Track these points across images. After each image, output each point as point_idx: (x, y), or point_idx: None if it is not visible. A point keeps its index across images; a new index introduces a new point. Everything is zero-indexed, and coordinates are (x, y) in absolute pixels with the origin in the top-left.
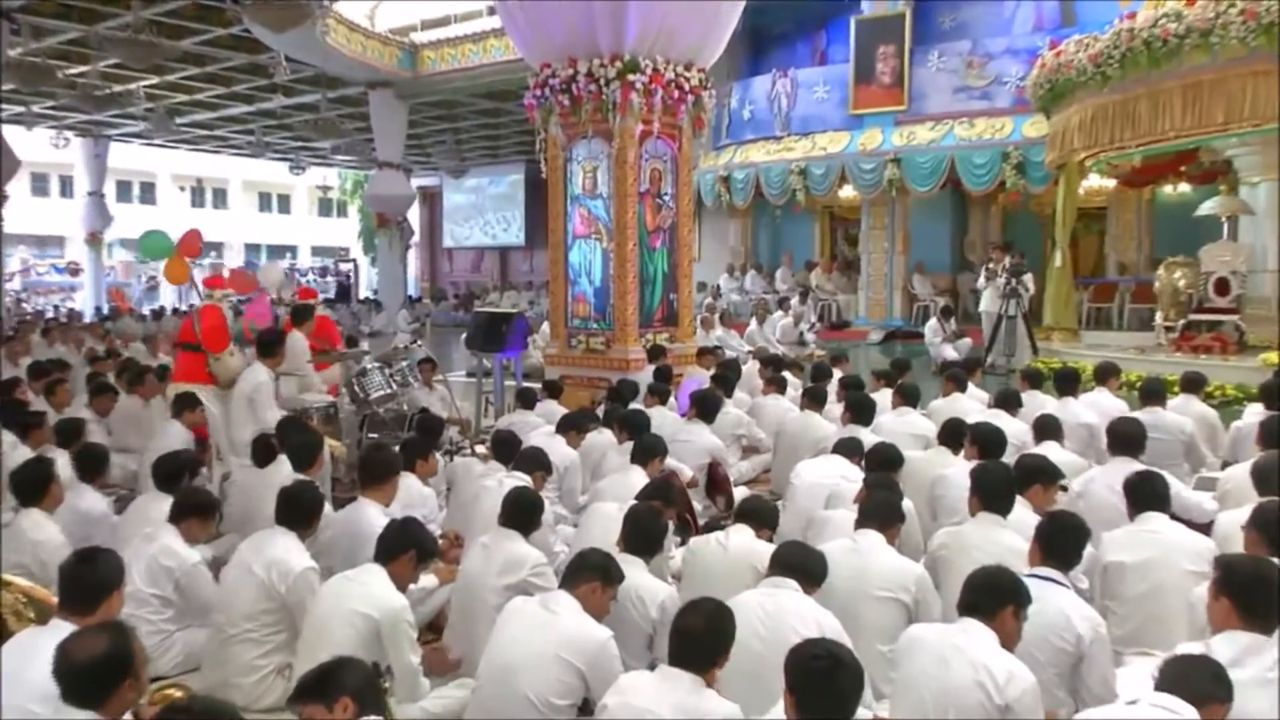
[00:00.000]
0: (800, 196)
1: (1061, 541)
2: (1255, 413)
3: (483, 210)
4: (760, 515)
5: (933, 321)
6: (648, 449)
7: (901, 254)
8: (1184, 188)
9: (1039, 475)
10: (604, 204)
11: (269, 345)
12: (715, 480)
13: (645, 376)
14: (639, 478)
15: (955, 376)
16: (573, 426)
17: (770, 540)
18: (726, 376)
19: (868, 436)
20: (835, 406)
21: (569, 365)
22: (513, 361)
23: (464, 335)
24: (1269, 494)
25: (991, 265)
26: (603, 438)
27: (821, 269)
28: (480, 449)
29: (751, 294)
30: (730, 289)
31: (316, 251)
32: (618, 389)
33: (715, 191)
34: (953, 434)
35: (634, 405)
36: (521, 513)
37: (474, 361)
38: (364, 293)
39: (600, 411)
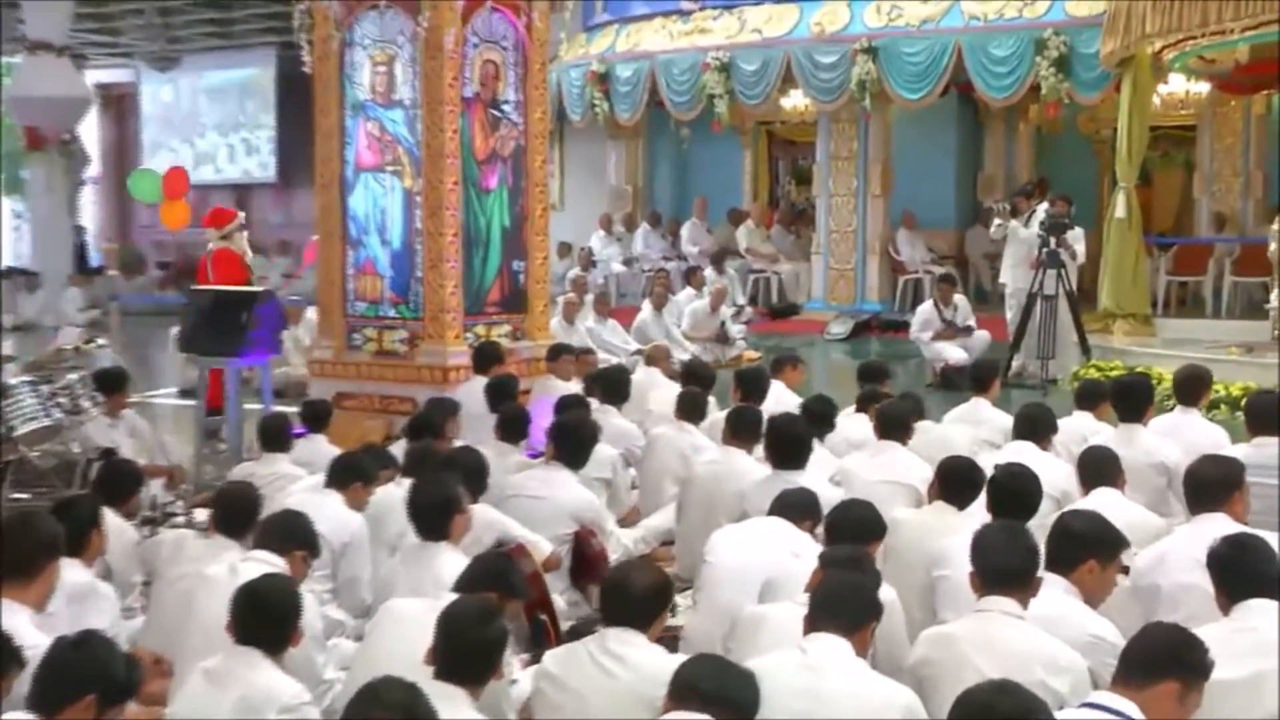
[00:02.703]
0: (721, 108)
1: (1147, 653)
2: None
3: (207, 125)
4: (632, 601)
5: (926, 306)
6: (437, 506)
7: (880, 198)
8: None
9: (1092, 546)
10: (406, 117)
11: None
12: (586, 559)
13: (473, 394)
14: (457, 555)
15: (956, 389)
16: (355, 476)
17: (667, 646)
18: (606, 395)
19: (827, 489)
20: None
21: (350, 377)
22: (258, 372)
23: (175, 329)
24: None
25: (1010, 209)
26: (402, 494)
27: (755, 222)
28: (202, 514)
29: (644, 262)
30: (610, 254)
31: None
32: (425, 414)
33: (586, 99)
34: (959, 481)
35: (456, 441)
36: (268, 619)
37: (192, 372)
38: (6, 259)
39: (400, 450)
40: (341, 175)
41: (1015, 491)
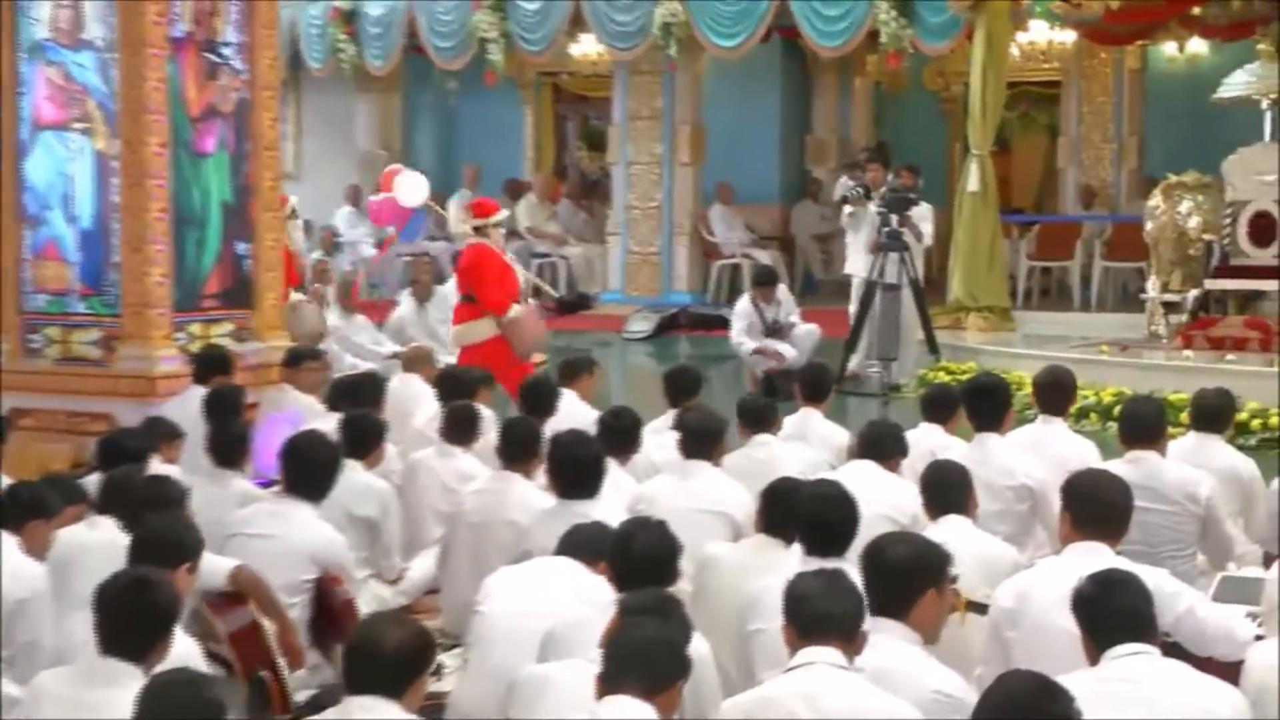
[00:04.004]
0: (496, 55)
1: (1003, 707)
2: None
3: None
4: (380, 663)
5: (745, 306)
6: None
7: (689, 168)
8: (1197, 47)
9: (928, 573)
10: (98, 61)
11: None
12: (329, 612)
13: (188, 410)
14: None
15: (781, 398)
16: (33, 512)
17: (430, 716)
18: (358, 411)
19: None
20: None
21: (27, 388)
22: None
23: None
24: None
25: (854, 185)
26: (96, 537)
27: (539, 196)
28: None
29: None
30: (358, 235)
31: None
32: (123, 435)
33: (329, 42)
34: (786, 509)
35: (159, 468)
36: None
37: None
38: None
39: (91, 483)
40: (15, 134)
41: (826, 521)
